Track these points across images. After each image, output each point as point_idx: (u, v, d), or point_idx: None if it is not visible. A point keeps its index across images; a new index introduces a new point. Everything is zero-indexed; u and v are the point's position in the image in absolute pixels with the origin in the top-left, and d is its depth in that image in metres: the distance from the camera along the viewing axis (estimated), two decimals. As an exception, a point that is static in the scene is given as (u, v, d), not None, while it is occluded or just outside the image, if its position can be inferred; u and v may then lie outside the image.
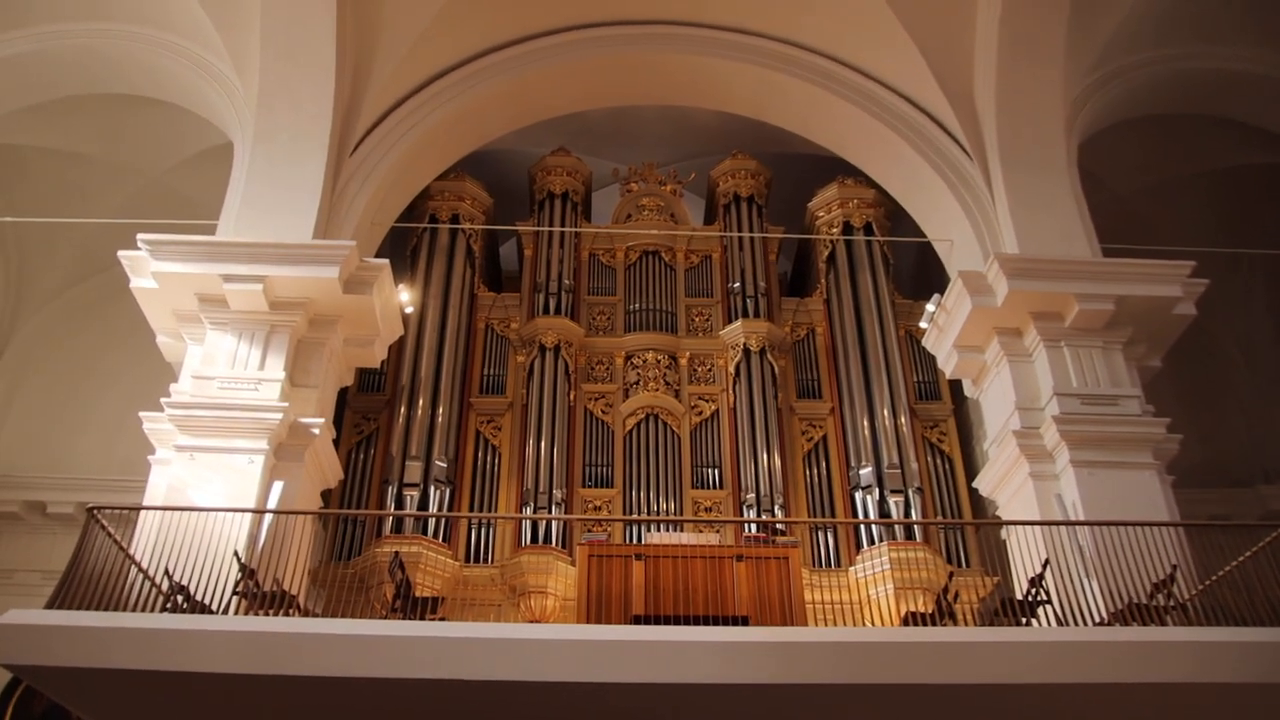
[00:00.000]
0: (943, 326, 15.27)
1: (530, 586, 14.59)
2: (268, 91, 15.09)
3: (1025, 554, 11.75)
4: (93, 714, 10.62)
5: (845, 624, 13.51)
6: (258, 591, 10.99)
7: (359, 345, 14.90)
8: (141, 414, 13.46)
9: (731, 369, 16.98)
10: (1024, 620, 11.24)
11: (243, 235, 14.17)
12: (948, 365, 15.55)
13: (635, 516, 15.38)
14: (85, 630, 9.61)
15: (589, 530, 14.89)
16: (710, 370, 17.25)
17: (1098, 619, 11.02)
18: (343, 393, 15.96)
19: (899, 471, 15.72)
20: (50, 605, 9.97)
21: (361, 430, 16.47)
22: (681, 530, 14.56)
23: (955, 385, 16.75)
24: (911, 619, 12.08)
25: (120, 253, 14.06)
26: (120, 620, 9.87)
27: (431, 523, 15.04)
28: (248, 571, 11.11)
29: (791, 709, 10.15)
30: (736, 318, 17.35)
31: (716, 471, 16.18)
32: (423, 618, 11.20)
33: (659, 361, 17.15)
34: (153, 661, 9.53)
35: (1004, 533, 14.13)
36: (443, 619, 11.90)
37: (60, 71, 16.22)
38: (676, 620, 10.67)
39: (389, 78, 15.79)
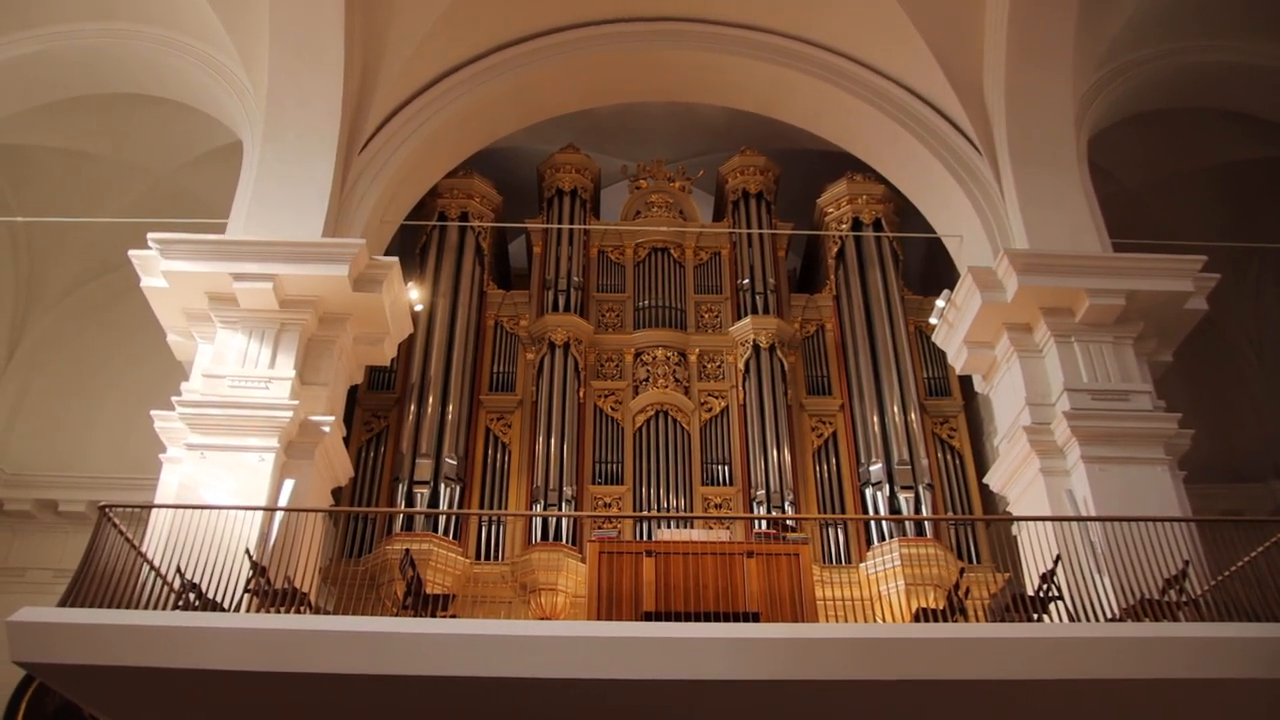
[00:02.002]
0: (953, 322, 15.23)
1: (541, 583, 14.61)
2: (277, 90, 15.09)
3: (1036, 550, 11.72)
4: (105, 711, 10.65)
5: (856, 620, 13.43)
6: (269, 589, 11.01)
7: (369, 343, 14.92)
8: (152, 412, 13.49)
9: (741, 365, 16.98)
10: (1035, 616, 11.21)
11: (253, 234, 14.20)
12: (958, 361, 15.51)
13: (645, 513, 15.39)
14: (97, 628, 9.64)
15: (599, 527, 14.88)
16: (720, 367, 17.25)
17: (1109, 615, 10.99)
18: (353, 390, 15.98)
19: (909, 467, 15.70)
20: (63, 603, 9.99)
21: (372, 428, 16.51)
22: (692, 527, 14.56)
23: (965, 381, 16.74)
24: (922, 615, 12.06)
25: (130, 252, 14.10)
26: (132, 618, 9.90)
27: (442, 520, 15.08)
28: (259, 569, 11.14)
29: (803, 705, 10.14)
30: (746, 314, 17.35)
31: (726, 468, 16.19)
32: (433, 615, 11.22)
33: (668, 358, 17.16)
34: (165, 659, 9.56)
35: (1015, 528, 14.11)
36: (453, 616, 11.90)
37: (68, 71, 16.25)
38: (687, 617, 10.65)
39: (397, 76, 15.79)
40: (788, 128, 18.22)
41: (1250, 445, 19.27)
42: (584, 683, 9.71)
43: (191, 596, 10.74)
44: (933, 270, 19.17)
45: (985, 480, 15.25)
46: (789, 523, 14.65)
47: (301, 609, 11.02)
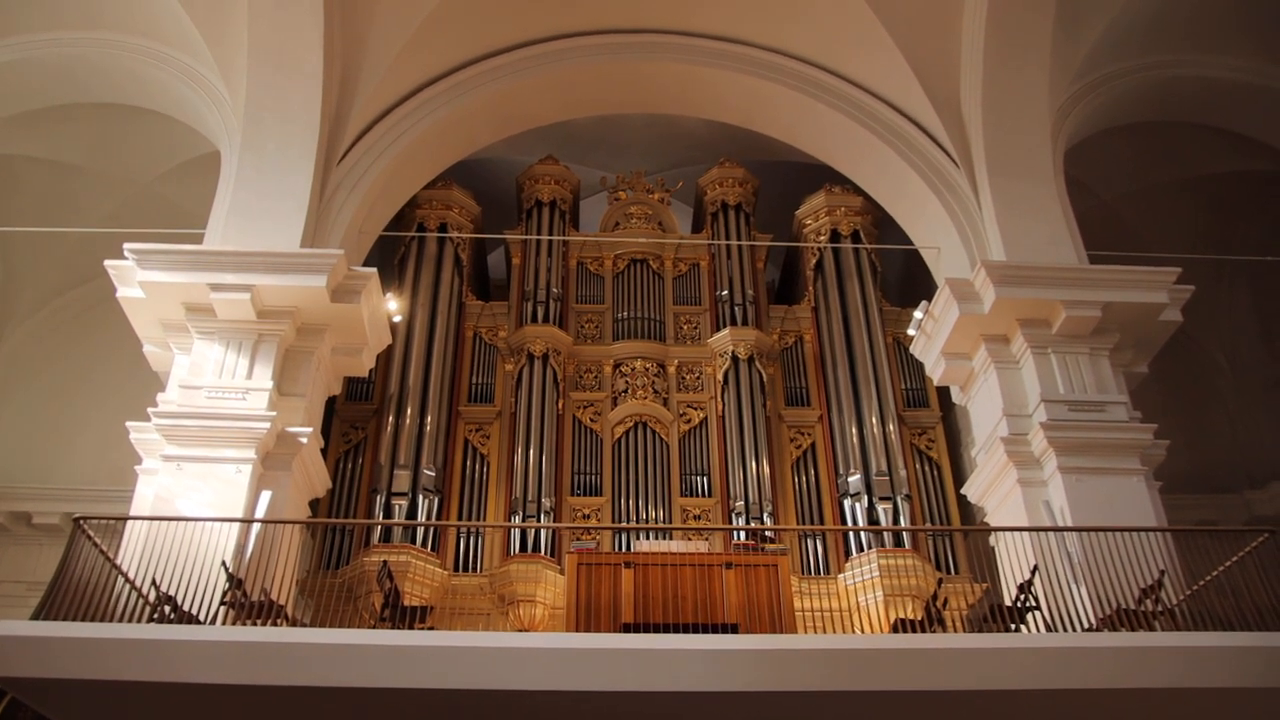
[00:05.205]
0: (930, 334, 15.30)
1: (519, 595, 14.56)
2: (255, 101, 15.05)
3: (1014, 560, 11.77)
4: (79, 726, 10.57)
5: (834, 631, 13.53)
6: (245, 601, 10.94)
7: (347, 354, 14.86)
8: (129, 424, 13.42)
9: (720, 377, 16.99)
10: (1013, 626, 11.26)
11: (230, 244, 14.13)
12: (935, 372, 15.57)
13: (624, 525, 15.36)
14: (71, 641, 9.56)
15: (578, 538, 14.89)
16: (699, 378, 17.26)
17: (1086, 625, 11.05)
18: (331, 402, 15.91)
19: (887, 478, 15.75)
20: (36, 616, 9.92)
21: (349, 439, 16.44)
22: (670, 538, 14.56)
23: (943, 392, 16.79)
24: (901, 626, 12.08)
25: (107, 262, 14.01)
26: (107, 631, 9.82)
27: (420, 532, 15.01)
28: (235, 581, 11.07)
29: (781, 716, 10.15)
30: (725, 326, 17.37)
31: (705, 479, 16.18)
32: (411, 627, 11.18)
33: (647, 369, 17.16)
34: (140, 672, 9.49)
35: (992, 539, 14.16)
36: (431, 628, 11.87)
37: (49, 80, 16.18)
38: (666, 628, 10.65)
39: (376, 87, 15.77)
40: (767, 139, 18.30)
41: (1225, 456, 19.42)
42: (563, 695, 9.69)
43: (167, 609, 10.66)
44: (911, 282, 19.26)
45: (963, 491, 15.32)
46: (768, 534, 14.68)
47: (278, 621, 10.95)
